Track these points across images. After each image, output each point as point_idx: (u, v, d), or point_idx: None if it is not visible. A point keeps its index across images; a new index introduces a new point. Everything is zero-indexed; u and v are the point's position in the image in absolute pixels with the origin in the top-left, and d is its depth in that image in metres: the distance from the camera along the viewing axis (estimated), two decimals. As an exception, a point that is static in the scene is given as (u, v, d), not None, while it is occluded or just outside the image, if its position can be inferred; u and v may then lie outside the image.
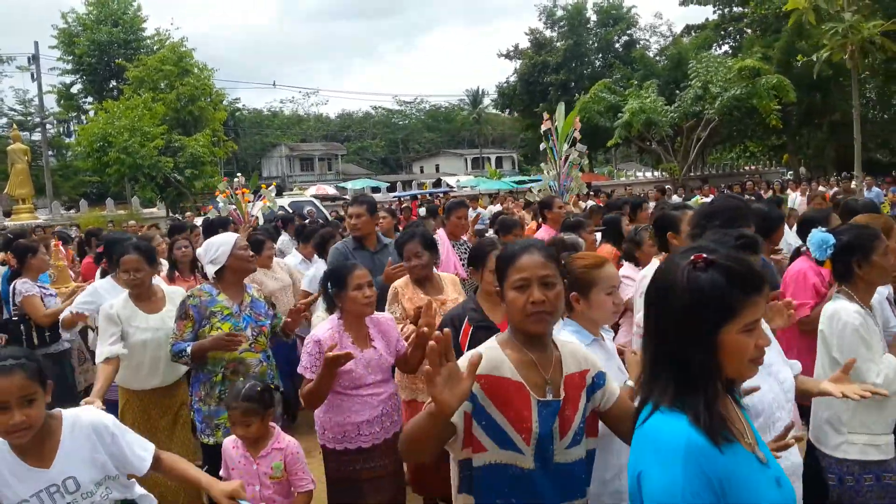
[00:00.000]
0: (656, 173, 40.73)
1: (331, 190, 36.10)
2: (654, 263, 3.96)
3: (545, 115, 12.03)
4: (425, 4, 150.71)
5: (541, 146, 12.46)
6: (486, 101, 63.32)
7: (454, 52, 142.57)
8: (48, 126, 37.43)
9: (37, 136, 38.51)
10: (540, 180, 37.37)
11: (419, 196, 33.61)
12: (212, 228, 6.59)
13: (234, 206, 13.61)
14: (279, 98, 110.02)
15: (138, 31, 37.81)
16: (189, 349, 3.81)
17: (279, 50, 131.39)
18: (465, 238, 6.30)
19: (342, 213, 20.19)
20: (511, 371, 2.07)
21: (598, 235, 6.36)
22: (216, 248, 4.00)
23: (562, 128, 11.86)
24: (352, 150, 65.73)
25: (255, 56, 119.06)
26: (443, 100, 79.44)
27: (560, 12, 42.03)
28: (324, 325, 3.57)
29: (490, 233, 7.41)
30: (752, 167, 45.10)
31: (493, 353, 2.10)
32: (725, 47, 39.84)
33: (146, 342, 4.10)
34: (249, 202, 13.70)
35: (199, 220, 16.97)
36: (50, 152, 37.18)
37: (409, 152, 69.06)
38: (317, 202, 22.35)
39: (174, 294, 4.32)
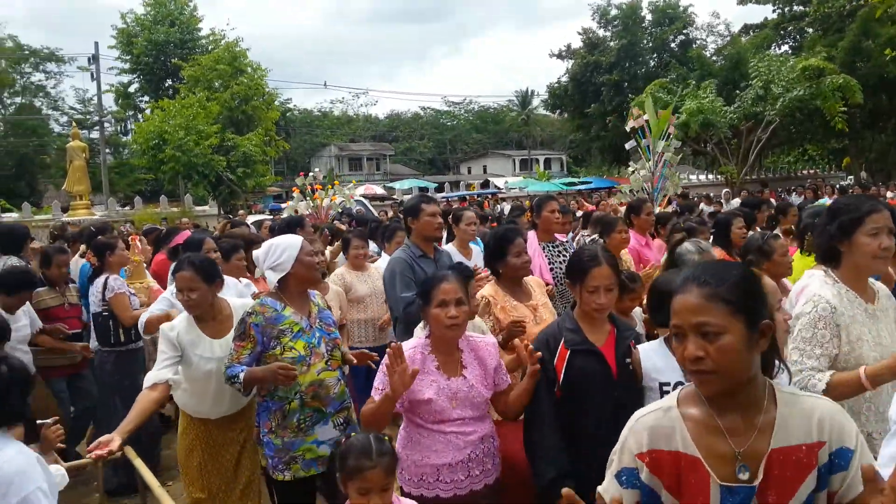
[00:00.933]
0: (710, 176, 39.76)
1: (379, 190, 36.21)
2: (814, 274, 3.24)
3: (635, 110, 11.70)
4: (475, 8, 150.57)
5: (626, 144, 12.08)
6: (535, 101, 62.95)
7: (503, 55, 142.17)
8: (106, 125, 38.35)
9: (95, 135, 39.47)
10: (590, 181, 36.99)
11: (467, 197, 33.46)
12: (289, 228, 6.28)
13: (310, 203, 13.51)
14: (329, 98, 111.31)
15: (194, 30, 38.42)
16: (242, 375, 3.31)
17: (330, 52, 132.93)
18: (562, 238, 5.53)
19: (390, 213, 20.15)
20: (684, 441, 1.60)
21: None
22: (279, 253, 3.45)
23: (657, 123, 11.51)
24: (399, 151, 65.93)
25: (306, 57, 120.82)
26: (491, 101, 79.16)
27: (614, 11, 41.26)
28: (409, 343, 3.03)
29: (584, 234, 6.96)
30: (811, 171, 43.71)
31: (664, 419, 1.65)
32: (785, 47, 38.72)
33: (210, 373, 3.59)
34: (323, 199, 13.58)
35: (250, 218, 17.11)
36: (107, 150, 38.08)
37: (457, 153, 68.96)
38: (366, 202, 22.35)
39: (242, 304, 3.82)
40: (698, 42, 41.93)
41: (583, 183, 37.06)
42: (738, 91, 24.54)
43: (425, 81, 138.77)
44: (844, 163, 39.62)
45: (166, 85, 38.90)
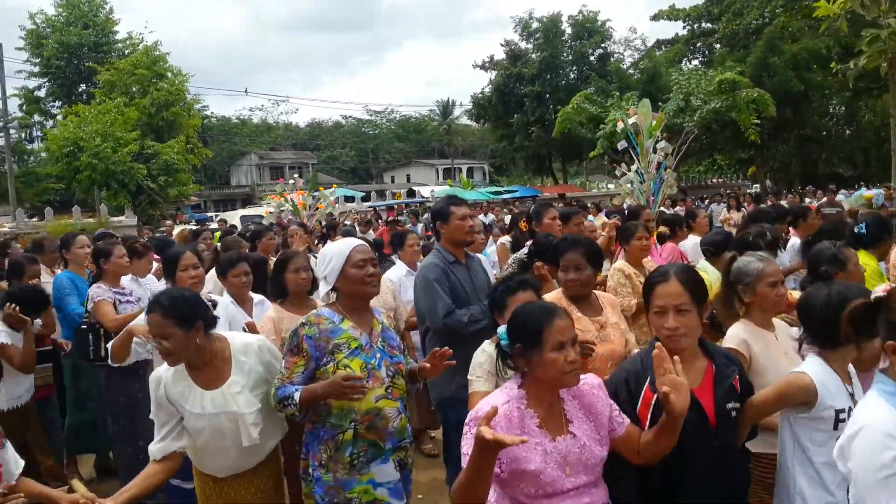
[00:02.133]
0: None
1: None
2: None
3: (631, 110, 11.96)
4: (394, 20, 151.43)
5: (619, 144, 12.27)
6: (457, 111, 63.65)
7: (423, 65, 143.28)
8: (11, 131, 36.25)
9: (-2, 142, 37.32)
10: (516, 190, 37.42)
11: (395, 206, 33.44)
12: (253, 239, 5.90)
13: (290, 210, 13.20)
14: (248, 106, 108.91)
15: (110, 34, 36.93)
16: (298, 395, 2.87)
17: (248, 59, 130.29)
18: None
19: (324, 220, 19.87)
20: None
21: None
22: (327, 263, 3.06)
23: (651, 124, 11.69)
24: (322, 160, 65.18)
25: (223, 64, 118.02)
26: (413, 110, 79.43)
27: (535, 24, 42.29)
28: (496, 397, 2.38)
29: None
30: (720, 180, 45.94)
31: None
32: (695, 62, 40.55)
33: (202, 431, 3.01)
34: (306, 207, 13.31)
35: (176, 230, 16.49)
36: (12, 158, 36.00)
37: (380, 162, 68.79)
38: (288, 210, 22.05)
39: (247, 350, 3.11)
40: (616, 55, 43.46)
41: (508, 192, 37.63)
42: (660, 103, 25.48)
43: (346, 90, 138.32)
44: (750, 172, 41.82)
45: (80, 90, 37.15)
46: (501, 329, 2.43)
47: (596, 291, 3.58)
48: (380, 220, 19.45)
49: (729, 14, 35.95)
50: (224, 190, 55.19)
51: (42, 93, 39.67)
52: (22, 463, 2.93)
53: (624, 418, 2.43)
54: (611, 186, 44.71)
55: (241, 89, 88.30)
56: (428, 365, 3.06)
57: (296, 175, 15.25)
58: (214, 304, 3.29)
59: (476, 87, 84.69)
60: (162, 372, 3.05)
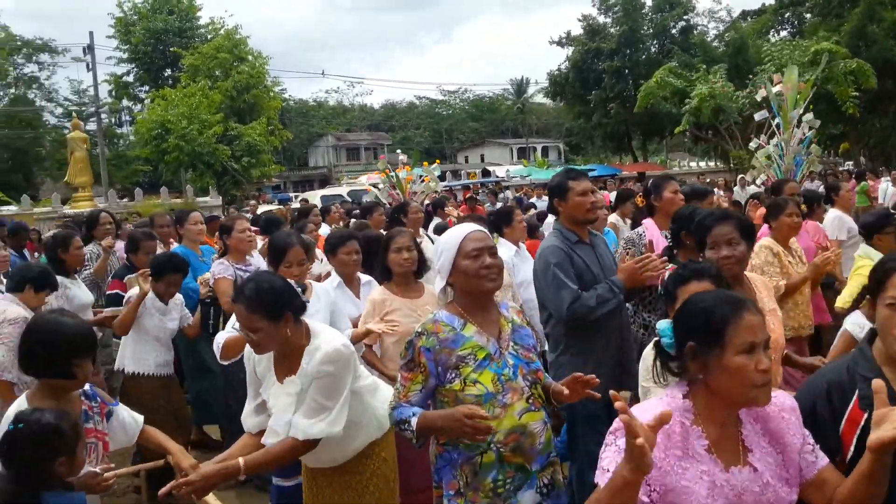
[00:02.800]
0: (710, 163, 39.82)
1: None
2: None
3: (774, 78, 11.47)
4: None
5: (756, 115, 11.74)
6: (530, 90, 62.79)
7: (493, 43, 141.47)
8: (102, 116, 37.91)
9: (90, 126, 38.98)
10: (594, 169, 36.61)
11: (471, 186, 33.28)
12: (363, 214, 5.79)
13: (394, 187, 13.37)
14: (324, 88, 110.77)
15: (193, 19, 38.09)
16: (414, 422, 2.46)
17: (319, 41, 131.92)
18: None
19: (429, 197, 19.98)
20: None
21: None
22: (439, 254, 2.63)
23: (798, 93, 11.13)
24: (396, 140, 65.54)
25: (295, 47, 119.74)
26: (486, 89, 78.74)
27: (614, -2, 41.13)
28: (652, 406, 1.87)
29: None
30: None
31: None
32: (784, 32, 38.61)
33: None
34: (412, 182, 13.48)
35: (261, 209, 16.73)
36: (104, 141, 37.67)
37: (453, 142, 68.60)
38: (375, 190, 22.21)
39: (313, 354, 2.79)
40: (699, 28, 41.91)
41: (587, 171, 36.86)
42: (751, 76, 24.30)
43: (417, 70, 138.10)
44: (842, 148, 39.63)
45: (165, 74, 38.49)
46: (663, 324, 1.95)
47: (746, 273, 3.07)
48: (456, 199, 19.41)
49: (821, -19, 34.00)
50: (302, 171, 56.34)
51: (130, 78, 41.28)
52: (141, 418, 3.08)
53: (818, 456, 1.88)
54: (692, 164, 43.34)
55: (313, 72, 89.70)
56: (566, 391, 2.53)
57: (398, 151, 15.45)
58: (304, 289, 3.11)
59: (549, 63, 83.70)
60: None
